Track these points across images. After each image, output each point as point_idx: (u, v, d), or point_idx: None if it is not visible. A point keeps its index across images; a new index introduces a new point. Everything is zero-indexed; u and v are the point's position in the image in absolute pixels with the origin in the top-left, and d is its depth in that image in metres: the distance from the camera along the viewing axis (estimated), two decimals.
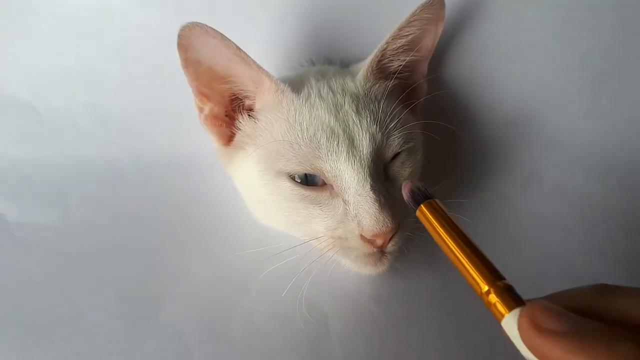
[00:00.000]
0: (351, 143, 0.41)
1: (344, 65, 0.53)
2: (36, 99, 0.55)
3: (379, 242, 0.40)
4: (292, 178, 0.42)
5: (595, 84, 0.53)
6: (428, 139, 0.47)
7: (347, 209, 0.40)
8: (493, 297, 0.27)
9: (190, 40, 0.40)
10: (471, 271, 0.28)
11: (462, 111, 0.53)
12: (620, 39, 0.53)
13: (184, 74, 0.43)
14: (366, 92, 0.44)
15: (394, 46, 0.45)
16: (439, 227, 0.30)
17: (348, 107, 0.42)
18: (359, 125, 0.41)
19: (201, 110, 0.46)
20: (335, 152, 0.40)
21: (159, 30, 0.54)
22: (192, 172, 0.53)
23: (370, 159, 0.41)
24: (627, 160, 0.52)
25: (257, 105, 0.45)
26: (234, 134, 0.47)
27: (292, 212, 0.43)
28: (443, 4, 0.46)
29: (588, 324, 0.24)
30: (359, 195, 0.40)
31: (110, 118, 0.55)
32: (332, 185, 0.41)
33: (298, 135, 0.41)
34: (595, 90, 0.53)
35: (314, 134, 0.41)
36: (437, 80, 0.48)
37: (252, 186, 0.45)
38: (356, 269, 0.44)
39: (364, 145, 0.41)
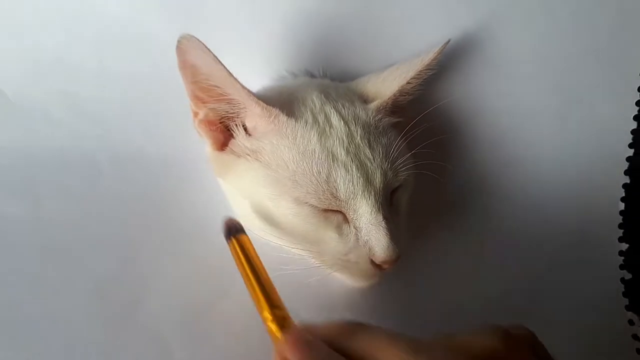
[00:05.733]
0: (366, 179, 0.42)
1: (328, 77, 0.54)
2: (7, 86, 0.53)
3: (386, 266, 0.42)
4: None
5: (565, 107, 0.57)
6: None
7: (358, 235, 0.42)
8: (268, 320, 0.34)
9: (188, 48, 0.41)
10: (257, 296, 0.36)
11: (438, 127, 0.55)
12: (591, 67, 0.57)
13: (180, 76, 0.43)
14: (376, 123, 0.46)
15: (410, 86, 0.48)
16: (242, 259, 0.38)
17: (360, 140, 0.44)
18: (372, 162, 0.43)
19: (196, 114, 0.45)
20: (353, 193, 0.42)
21: (141, 27, 0.53)
22: (169, 168, 0.52)
23: (382, 192, 0.43)
24: (586, 181, 0.56)
25: (249, 124, 0.45)
26: (228, 139, 0.46)
27: (308, 233, 0.43)
28: (448, 41, 0.50)
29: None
30: (371, 224, 0.41)
31: (86, 110, 0.54)
32: (344, 213, 0.43)
33: (314, 169, 0.42)
34: (565, 114, 0.57)
35: (329, 174, 0.42)
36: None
37: (258, 203, 0.44)
38: (351, 282, 0.46)
39: (378, 181, 0.42)
